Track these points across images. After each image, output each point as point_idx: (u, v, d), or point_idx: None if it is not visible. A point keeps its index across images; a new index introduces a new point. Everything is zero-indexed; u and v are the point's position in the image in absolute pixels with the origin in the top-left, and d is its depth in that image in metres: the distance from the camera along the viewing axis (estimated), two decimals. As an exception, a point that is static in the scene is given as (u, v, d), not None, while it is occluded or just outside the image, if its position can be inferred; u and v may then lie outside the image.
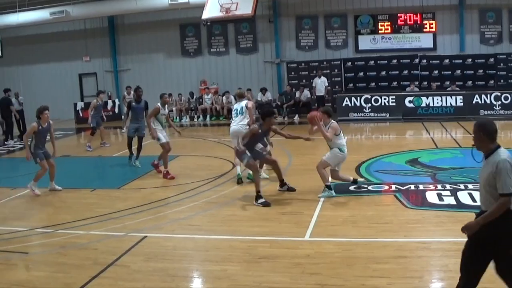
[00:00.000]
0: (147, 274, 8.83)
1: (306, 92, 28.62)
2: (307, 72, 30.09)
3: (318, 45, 30.60)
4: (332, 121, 13.00)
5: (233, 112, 15.39)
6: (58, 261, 9.83)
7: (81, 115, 31.83)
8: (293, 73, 30.52)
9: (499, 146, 6.19)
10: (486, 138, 6.18)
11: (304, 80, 29.92)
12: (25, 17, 31.74)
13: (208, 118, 30.39)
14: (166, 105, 16.69)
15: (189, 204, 13.02)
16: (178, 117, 30.40)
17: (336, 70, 29.81)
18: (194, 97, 31.17)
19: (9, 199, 14.91)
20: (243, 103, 14.99)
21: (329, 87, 28.62)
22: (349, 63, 29.74)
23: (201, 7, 26.02)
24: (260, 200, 12.57)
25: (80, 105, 32.51)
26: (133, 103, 18.01)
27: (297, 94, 28.79)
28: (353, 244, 9.46)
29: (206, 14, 25.71)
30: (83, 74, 35.57)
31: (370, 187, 13.30)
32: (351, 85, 29.69)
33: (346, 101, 26.68)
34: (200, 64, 32.61)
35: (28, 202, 14.72)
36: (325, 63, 29.80)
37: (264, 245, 9.75)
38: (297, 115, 28.11)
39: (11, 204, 14.51)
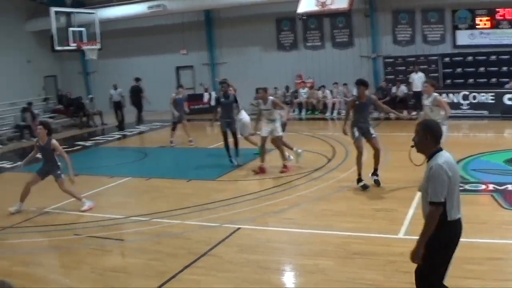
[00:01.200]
0: (239, 265, 8.94)
1: (403, 88, 28.17)
2: (404, 67, 29.59)
3: (415, 40, 30.03)
4: (435, 94, 13.47)
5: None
6: (153, 249, 10.10)
7: (177, 107, 32.40)
8: (389, 68, 30.07)
9: (440, 149, 5.88)
10: (432, 141, 5.86)
11: (400, 76, 29.44)
12: (123, 11, 32.48)
13: (303, 112, 30.25)
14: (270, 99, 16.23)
15: (283, 197, 13.09)
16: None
17: (433, 66, 29.21)
18: (290, 91, 31.13)
19: (107, 187, 15.35)
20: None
21: (426, 83, 28.04)
22: (447, 59, 29.09)
23: (296, 1, 26.01)
24: (361, 183, 13.39)
25: (177, 97, 32.98)
26: (222, 99, 17.40)
27: (394, 90, 28.41)
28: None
29: (302, 8, 25.70)
30: (180, 67, 36.03)
31: (467, 186, 13.01)
32: (448, 81, 29.11)
33: (444, 97, 26.09)
34: (296, 58, 32.48)
35: (125, 190, 15.14)
36: (422, 58, 29.21)
37: (358, 241, 9.71)
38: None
39: (109, 192, 14.96)
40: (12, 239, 11.40)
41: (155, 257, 9.64)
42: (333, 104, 29.24)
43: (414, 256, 5.90)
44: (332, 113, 29.06)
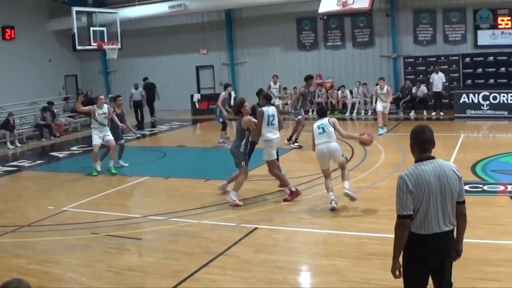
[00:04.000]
0: (256, 265, 8.96)
1: (423, 88, 27.99)
2: (424, 67, 29.48)
3: (436, 40, 29.84)
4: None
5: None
6: (170, 248, 10.16)
7: (197, 106, 32.62)
8: (410, 68, 29.92)
9: (426, 158, 5.57)
10: (417, 149, 5.61)
11: (421, 76, 29.28)
12: (144, 11, 32.61)
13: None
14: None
15: (301, 197, 13.05)
16: (292, 111, 30.04)
17: (454, 66, 29.03)
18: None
19: (125, 186, 15.42)
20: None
21: (447, 83, 27.85)
22: (468, 59, 28.87)
23: (317, 0, 25.96)
24: (295, 144, 19.60)
25: (196, 96, 33.14)
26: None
27: (414, 90, 28.24)
28: (465, 244, 9.24)
29: (323, 8, 25.67)
30: (200, 67, 36.09)
31: (485, 187, 12.93)
32: (469, 81, 28.91)
33: (464, 98, 25.91)
34: (316, 58, 32.44)
35: (142, 189, 15.20)
36: (443, 58, 29.07)
37: (374, 242, 9.69)
38: (413, 111, 27.55)
39: (127, 191, 15.03)
40: (30, 237, 11.49)
41: (172, 256, 9.70)
42: (353, 104, 29.17)
43: (392, 270, 5.75)
44: (351, 113, 28.99)
